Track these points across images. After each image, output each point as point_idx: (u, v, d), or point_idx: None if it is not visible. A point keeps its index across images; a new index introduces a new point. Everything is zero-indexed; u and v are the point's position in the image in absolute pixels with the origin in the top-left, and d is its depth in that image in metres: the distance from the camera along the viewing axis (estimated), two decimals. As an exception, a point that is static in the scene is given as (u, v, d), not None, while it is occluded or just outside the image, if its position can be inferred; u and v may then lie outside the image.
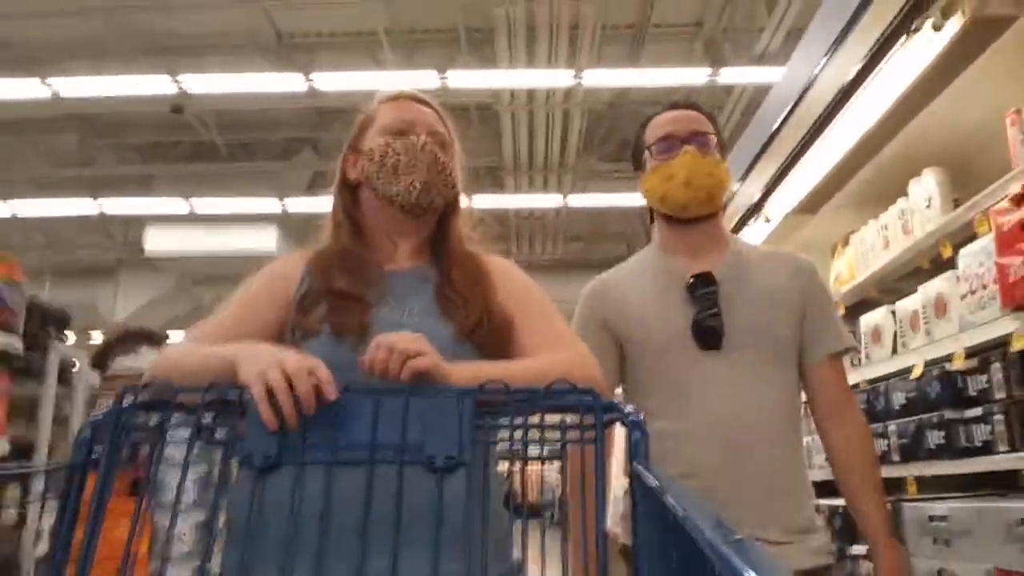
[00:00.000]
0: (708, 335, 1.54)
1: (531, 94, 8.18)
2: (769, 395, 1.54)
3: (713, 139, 1.67)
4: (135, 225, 12.45)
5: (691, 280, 1.59)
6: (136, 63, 8.17)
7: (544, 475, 11.61)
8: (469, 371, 1.00)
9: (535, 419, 0.88)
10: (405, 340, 0.97)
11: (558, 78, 7.38)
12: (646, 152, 1.70)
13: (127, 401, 0.87)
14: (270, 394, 0.88)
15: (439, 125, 1.35)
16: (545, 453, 0.94)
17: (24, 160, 10.59)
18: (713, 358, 1.54)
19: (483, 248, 1.37)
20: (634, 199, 9.44)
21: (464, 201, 1.39)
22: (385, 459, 0.86)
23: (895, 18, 2.25)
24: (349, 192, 1.35)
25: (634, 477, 0.78)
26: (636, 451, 0.81)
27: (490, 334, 1.18)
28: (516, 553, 1.09)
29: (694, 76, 7.29)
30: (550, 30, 7.10)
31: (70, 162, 10.55)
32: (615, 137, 10.03)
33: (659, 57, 8.00)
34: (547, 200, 10.44)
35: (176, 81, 7.37)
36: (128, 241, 13.01)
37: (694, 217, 1.65)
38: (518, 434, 0.88)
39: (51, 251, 13.27)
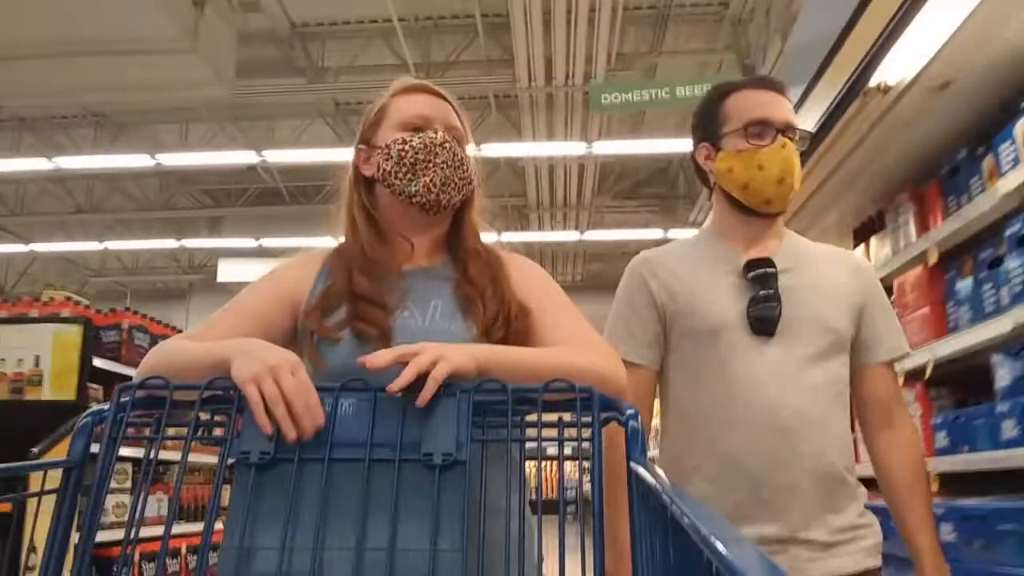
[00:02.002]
0: (762, 320, 1.45)
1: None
2: (822, 385, 1.46)
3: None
4: (200, 255, 14.06)
5: (747, 262, 1.50)
6: (219, 127, 9.77)
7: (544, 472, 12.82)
8: (485, 351, 1.00)
9: (550, 417, 0.86)
10: (423, 357, 0.91)
11: (573, 148, 8.79)
12: (730, 130, 1.54)
13: (125, 397, 0.86)
14: (264, 398, 0.87)
15: (455, 119, 1.31)
16: (566, 452, 0.89)
17: (112, 203, 12.26)
18: (766, 344, 1.45)
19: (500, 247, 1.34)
20: (643, 233, 10.80)
21: (479, 197, 1.34)
22: (383, 457, 0.85)
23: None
24: (365, 187, 1.29)
25: (632, 475, 0.77)
26: (632, 449, 0.80)
27: (507, 325, 1.14)
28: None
29: (687, 145, 8.63)
30: (566, 106, 8.52)
31: (152, 205, 12.20)
32: (625, 179, 11.55)
33: (659, 120, 9.41)
34: (567, 235, 11.92)
35: (260, 156, 8.87)
36: (196, 268, 14.65)
37: (769, 212, 1.55)
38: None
39: (130, 276, 14.99)
